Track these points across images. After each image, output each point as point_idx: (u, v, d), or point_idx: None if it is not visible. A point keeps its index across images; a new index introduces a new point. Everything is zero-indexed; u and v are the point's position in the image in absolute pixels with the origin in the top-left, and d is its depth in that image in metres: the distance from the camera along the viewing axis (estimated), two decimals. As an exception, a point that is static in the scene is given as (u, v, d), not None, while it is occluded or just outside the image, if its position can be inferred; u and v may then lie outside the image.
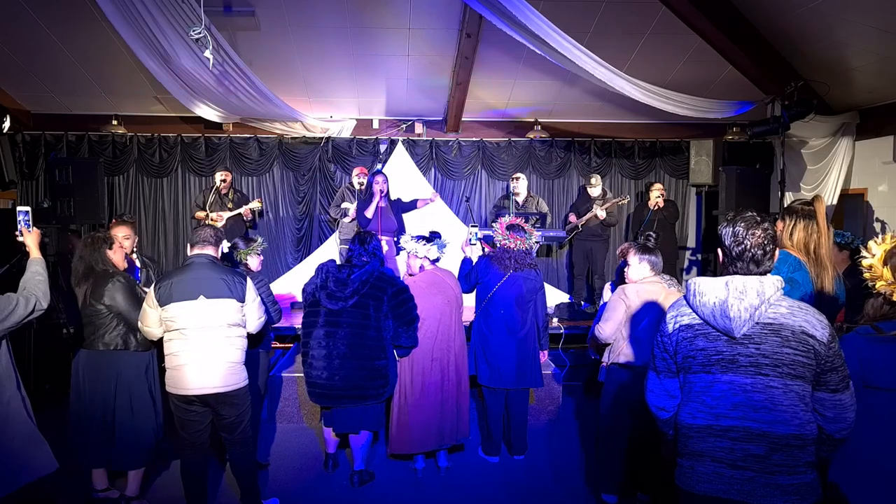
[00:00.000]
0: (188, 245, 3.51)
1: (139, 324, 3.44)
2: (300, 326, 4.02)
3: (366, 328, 3.76)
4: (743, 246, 1.98)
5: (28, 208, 3.11)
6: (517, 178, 7.09)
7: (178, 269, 3.43)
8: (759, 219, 2.00)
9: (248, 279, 3.51)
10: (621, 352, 3.58)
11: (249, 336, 4.19)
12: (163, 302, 3.28)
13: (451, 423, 4.09)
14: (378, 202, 6.06)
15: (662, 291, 3.58)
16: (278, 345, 5.82)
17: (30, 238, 3.05)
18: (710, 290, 2.00)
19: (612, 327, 3.60)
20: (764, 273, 2.00)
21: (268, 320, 4.28)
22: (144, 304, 3.39)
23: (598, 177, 7.41)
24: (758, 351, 1.94)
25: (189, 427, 3.38)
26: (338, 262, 4.78)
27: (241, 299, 3.41)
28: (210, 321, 3.29)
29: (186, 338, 3.27)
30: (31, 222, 3.08)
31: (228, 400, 3.34)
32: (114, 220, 4.42)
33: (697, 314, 2.04)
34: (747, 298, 1.94)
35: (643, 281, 3.62)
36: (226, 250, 3.72)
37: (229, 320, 3.35)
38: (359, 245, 3.90)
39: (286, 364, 5.42)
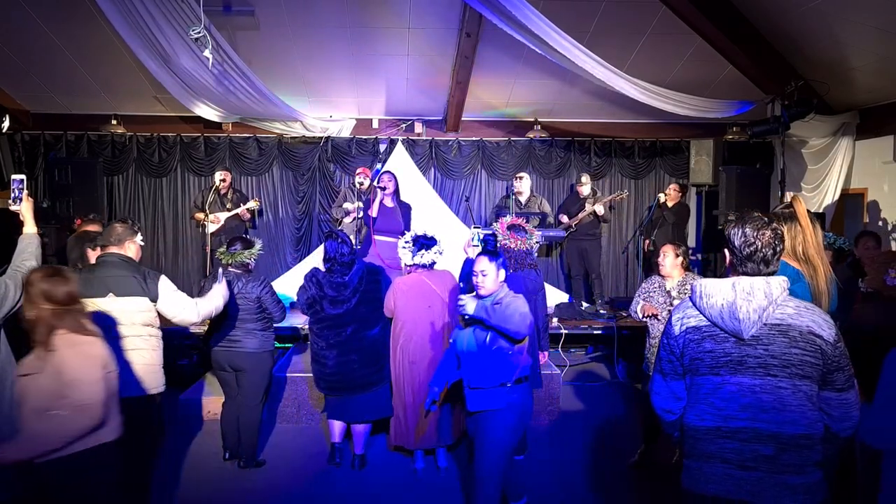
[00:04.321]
0: (99, 246, 3.28)
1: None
2: (302, 327, 4.09)
3: (367, 321, 4.08)
4: (754, 246, 1.99)
5: (23, 176, 2.88)
6: (520, 178, 7.07)
7: (86, 267, 3.22)
8: (766, 219, 2.03)
9: (162, 276, 3.29)
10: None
11: (255, 336, 4.15)
12: None
13: (447, 422, 4.10)
14: (380, 199, 5.83)
15: None
16: (277, 345, 5.81)
17: (24, 206, 2.84)
18: (717, 291, 2.01)
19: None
20: (771, 273, 2.01)
21: (273, 319, 4.31)
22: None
23: (588, 175, 7.42)
24: (766, 352, 1.95)
25: None
26: None
27: (155, 298, 3.20)
28: (120, 320, 3.10)
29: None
30: (24, 191, 2.85)
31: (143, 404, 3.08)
32: (81, 220, 4.12)
33: (705, 316, 2.04)
34: (755, 300, 1.94)
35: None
36: (140, 242, 3.36)
37: (143, 320, 3.16)
38: (334, 243, 4.01)
39: (286, 364, 5.41)
